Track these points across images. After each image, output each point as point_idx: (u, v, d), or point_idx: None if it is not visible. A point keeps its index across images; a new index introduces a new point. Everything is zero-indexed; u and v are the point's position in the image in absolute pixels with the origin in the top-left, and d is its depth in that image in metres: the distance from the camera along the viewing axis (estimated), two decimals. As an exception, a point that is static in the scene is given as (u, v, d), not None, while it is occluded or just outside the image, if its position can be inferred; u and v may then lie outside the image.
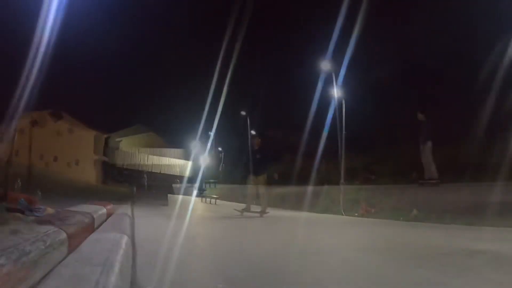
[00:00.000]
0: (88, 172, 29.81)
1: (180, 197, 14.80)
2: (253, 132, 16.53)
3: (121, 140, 37.61)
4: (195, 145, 28.80)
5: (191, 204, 10.31)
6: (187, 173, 32.04)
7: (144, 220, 4.78)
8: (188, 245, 2.75)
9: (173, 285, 1.65)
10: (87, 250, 1.69)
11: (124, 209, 4.02)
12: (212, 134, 28.21)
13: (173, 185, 27.03)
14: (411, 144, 12.32)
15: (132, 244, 2.20)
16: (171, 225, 4.65)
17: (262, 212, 6.97)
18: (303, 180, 13.28)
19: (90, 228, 2.93)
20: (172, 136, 38.30)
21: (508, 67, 8.98)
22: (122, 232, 2.21)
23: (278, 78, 32.30)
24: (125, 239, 2.02)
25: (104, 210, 4.00)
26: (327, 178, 11.67)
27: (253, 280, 1.78)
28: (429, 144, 8.11)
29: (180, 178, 31.49)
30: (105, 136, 36.75)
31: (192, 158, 31.80)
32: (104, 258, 1.47)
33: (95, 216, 3.21)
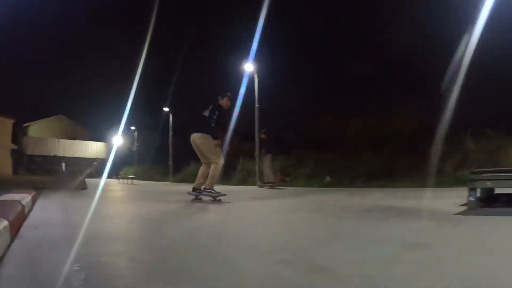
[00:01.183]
0: (3, 163, 27.54)
1: (97, 181, 15.87)
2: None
3: (28, 126, 35.80)
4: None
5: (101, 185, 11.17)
6: (106, 160, 31.77)
7: (47, 204, 4.71)
8: (83, 226, 2.86)
9: (39, 267, 1.78)
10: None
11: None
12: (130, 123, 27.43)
13: (91, 171, 27.17)
14: (332, 147, 13.16)
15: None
16: (75, 207, 4.66)
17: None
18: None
19: (22, 215, 3.12)
20: (93, 127, 38.60)
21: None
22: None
23: (200, 76, 32.67)
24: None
25: (29, 197, 4.17)
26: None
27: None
28: (269, 156, 10.34)
29: (98, 164, 31.01)
30: (24, 125, 34.08)
31: (110, 145, 31.58)
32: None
33: (24, 203, 3.41)
